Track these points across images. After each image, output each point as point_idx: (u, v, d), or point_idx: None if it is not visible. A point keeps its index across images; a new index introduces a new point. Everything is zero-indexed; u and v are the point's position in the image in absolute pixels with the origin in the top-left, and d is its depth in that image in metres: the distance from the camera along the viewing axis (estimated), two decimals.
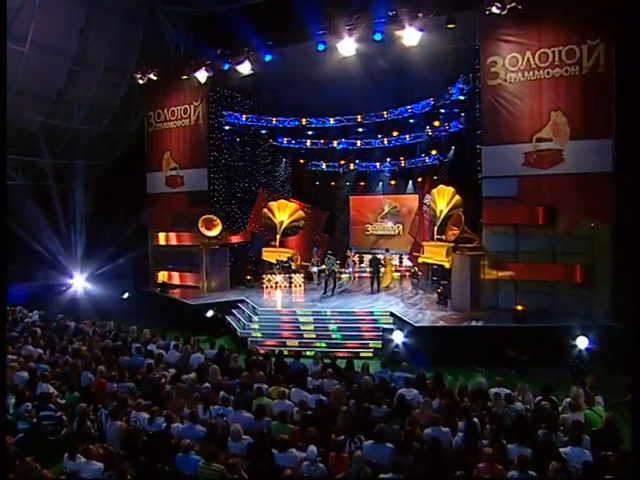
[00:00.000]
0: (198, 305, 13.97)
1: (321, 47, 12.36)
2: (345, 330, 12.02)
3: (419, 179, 19.04)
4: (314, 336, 11.97)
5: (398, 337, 10.59)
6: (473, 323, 10.97)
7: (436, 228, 15.83)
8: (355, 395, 6.97)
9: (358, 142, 19.08)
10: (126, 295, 16.29)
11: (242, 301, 14.35)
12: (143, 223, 18.25)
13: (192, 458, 5.22)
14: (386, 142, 18.38)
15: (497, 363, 9.41)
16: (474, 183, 13.66)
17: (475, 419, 6.04)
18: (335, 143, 19.21)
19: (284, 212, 17.53)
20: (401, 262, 19.99)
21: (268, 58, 13.09)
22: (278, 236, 17.26)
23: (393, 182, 20.17)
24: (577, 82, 10.97)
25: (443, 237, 15.61)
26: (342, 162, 20.12)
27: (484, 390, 7.20)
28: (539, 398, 6.80)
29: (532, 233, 11.63)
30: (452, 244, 14.66)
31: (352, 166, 20.41)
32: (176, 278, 17.10)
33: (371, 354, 11.19)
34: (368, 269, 16.36)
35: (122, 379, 7.79)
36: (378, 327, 11.92)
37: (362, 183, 20.89)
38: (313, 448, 5.28)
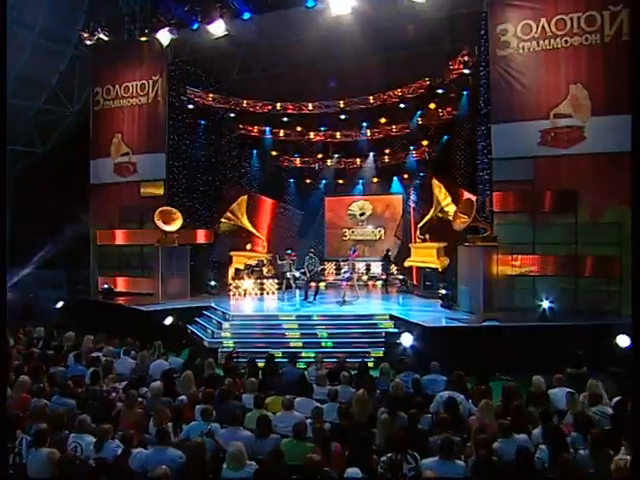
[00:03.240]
0: (152, 312, 12.00)
1: (311, 3, 11.19)
2: (338, 337, 10.51)
3: (405, 176, 18.08)
4: (301, 344, 10.36)
5: (407, 341, 9.19)
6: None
7: (419, 226, 14.95)
8: (386, 402, 5.48)
9: (338, 134, 18.03)
10: (60, 304, 13.96)
11: (207, 307, 12.55)
12: (83, 220, 16.09)
13: None
14: (369, 134, 17.42)
15: (526, 367, 8.27)
16: (472, 172, 12.93)
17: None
18: (312, 134, 18.07)
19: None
20: (384, 270, 18.78)
21: (246, 16, 11.77)
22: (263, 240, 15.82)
23: (376, 180, 19.09)
24: (599, 52, 10.38)
25: (425, 237, 14.74)
26: (319, 156, 18.88)
27: (543, 391, 5.95)
28: (617, 399, 5.59)
29: (551, 221, 10.77)
30: (442, 244, 13.88)
31: (330, 162, 19.23)
32: (124, 284, 14.97)
33: (372, 364, 9.68)
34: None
35: (56, 393, 5.88)
36: (377, 332, 10.50)
37: (340, 181, 19.71)
38: (355, 470, 3.74)
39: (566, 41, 10.58)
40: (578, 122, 10.53)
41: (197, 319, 12.17)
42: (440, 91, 13.50)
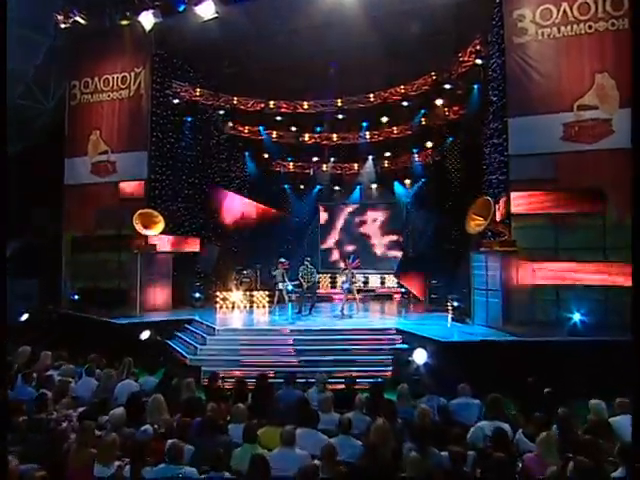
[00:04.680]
0: (127, 325, 10.76)
1: None
2: (339, 354, 9.34)
3: (407, 181, 17.16)
4: (296, 362, 9.18)
5: (420, 358, 8.07)
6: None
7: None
8: (411, 434, 4.36)
9: (334, 136, 17.12)
10: (25, 317, 12.61)
11: (191, 321, 11.34)
12: (56, 224, 14.87)
13: None
14: (369, 136, 16.52)
15: (560, 389, 7.24)
16: (481, 174, 12.07)
17: None
18: (307, 137, 17.14)
19: None
20: (383, 283, 17.77)
21: None
22: None
23: (375, 186, 18.12)
24: (626, 38, 9.56)
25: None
26: (314, 159, 17.91)
27: (605, 419, 4.87)
28: None
29: (575, 224, 9.81)
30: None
31: (325, 167, 18.25)
32: (99, 295, 13.68)
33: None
34: None
35: None
36: (384, 349, 9.37)
37: (337, 187, 18.71)
38: None
39: (590, 26, 9.80)
40: (605, 114, 9.69)
41: (178, 334, 10.94)
42: (447, 86, 12.61)
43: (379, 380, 8.40)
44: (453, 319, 10.84)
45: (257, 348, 9.60)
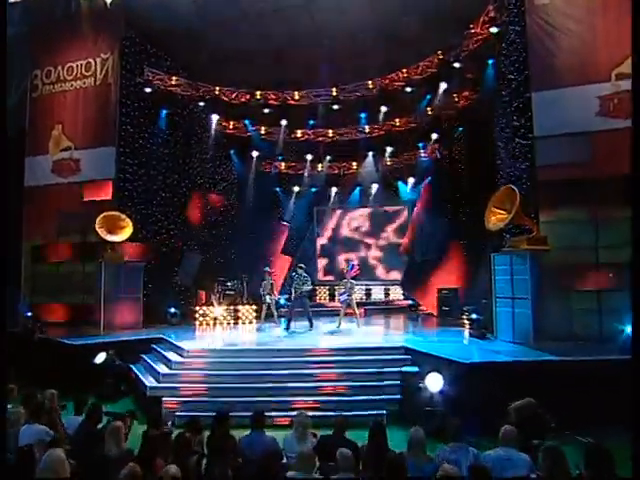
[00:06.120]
0: (82, 347, 9.22)
1: None
2: (331, 379, 7.78)
3: (412, 180, 15.77)
4: (279, 389, 7.58)
5: (434, 384, 6.55)
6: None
7: None
8: None
9: (330, 131, 15.78)
10: None
11: (159, 340, 9.82)
12: (14, 231, 13.45)
13: None
14: (368, 129, 15.17)
15: (610, 421, 5.72)
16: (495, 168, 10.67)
17: None
18: (299, 132, 15.82)
19: None
20: (387, 294, 16.27)
21: None
22: None
23: (376, 186, 16.70)
24: None
25: None
26: (308, 157, 16.53)
27: None
28: None
29: (617, 218, 8.29)
30: None
31: (320, 166, 16.87)
32: (61, 311, 12.27)
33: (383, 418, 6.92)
34: None
35: None
36: (388, 372, 7.80)
37: (334, 189, 17.33)
38: None
39: None
40: None
41: (143, 356, 9.39)
42: (457, 65, 11.19)
43: (382, 413, 6.89)
44: (471, 334, 9.33)
45: (230, 374, 7.97)
